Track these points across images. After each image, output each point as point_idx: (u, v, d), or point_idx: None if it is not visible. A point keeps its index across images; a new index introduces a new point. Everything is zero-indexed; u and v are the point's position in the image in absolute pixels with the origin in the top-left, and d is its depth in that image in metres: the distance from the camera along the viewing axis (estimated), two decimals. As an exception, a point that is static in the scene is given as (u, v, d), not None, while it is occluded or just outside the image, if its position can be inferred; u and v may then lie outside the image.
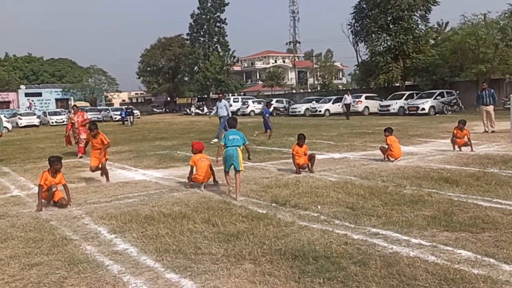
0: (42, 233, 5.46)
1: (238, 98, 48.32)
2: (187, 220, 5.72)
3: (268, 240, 4.79)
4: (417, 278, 3.68)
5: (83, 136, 13.38)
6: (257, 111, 42.96)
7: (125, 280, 3.92)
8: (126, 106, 46.03)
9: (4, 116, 37.82)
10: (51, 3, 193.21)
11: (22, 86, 66.09)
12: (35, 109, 56.82)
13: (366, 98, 34.60)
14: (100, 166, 8.85)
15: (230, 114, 17.26)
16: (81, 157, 13.15)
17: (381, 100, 33.61)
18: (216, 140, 16.36)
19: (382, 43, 37.61)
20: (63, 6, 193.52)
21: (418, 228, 5.03)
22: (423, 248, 4.39)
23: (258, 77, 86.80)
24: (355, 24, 40.13)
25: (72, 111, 14.27)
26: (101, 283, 3.87)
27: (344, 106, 30.43)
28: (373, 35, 37.44)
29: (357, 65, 42.88)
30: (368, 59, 39.47)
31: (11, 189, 8.68)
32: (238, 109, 44.04)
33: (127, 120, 37.17)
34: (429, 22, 38.81)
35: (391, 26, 37.08)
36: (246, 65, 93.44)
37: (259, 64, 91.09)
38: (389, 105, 31.48)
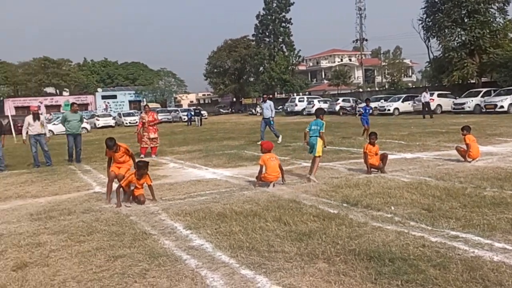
0: (124, 227, 5.78)
1: (303, 98, 48.13)
2: (259, 218, 5.80)
3: (341, 240, 4.75)
4: (503, 284, 3.50)
5: (153, 135, 13.94)
6: (323, 110, 42.50)
7: (202, 274, 4.06)
8: (194, 107, 47.45)
9: (84, 118, 40.46)
10: (124, 10, 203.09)
11: (99, 89, 70.14)
12: (111, 110, 59.98)
13: (439, 96, 33.11)
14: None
15: (273, 115, 17.06)
16: (148, 155, 13.68)
17: (455, 98, 32.06)
18: (280, 140, 16.31)
19: (456, 38, 35.92)
20: (136, 13, 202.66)
21: (501, 232, 4.76)
22: (508, 253, 4.16)
23: (323, 76, 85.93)
24: (427, 19, 38.57)
25: (144, 111, 14.83)
26: (180, 276, 4.03)
27: (422, 104, 28.61)
28: (446, 30, 35.83)
29: (428, 61, 41.28)
30: (441, 55, 37.83)
31: (93, 186, 9.24)
32: (304, 108, 43.88)
33: (194, 121, 38.19)
34: (508, 15, 36.43)
35: (465, 20, 35.28)
36: (311, 64, 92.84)
37: (324, 63, 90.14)
38: (464, 103, 29.94)
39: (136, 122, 45.25)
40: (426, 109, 27.87)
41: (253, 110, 56.05)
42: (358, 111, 17.11)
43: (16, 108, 57.32)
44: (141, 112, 14.73)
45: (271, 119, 16.91)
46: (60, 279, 4.12)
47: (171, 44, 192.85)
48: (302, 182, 8.23)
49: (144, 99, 47.63)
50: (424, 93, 28.86)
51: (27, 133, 13.05)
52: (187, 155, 13.82)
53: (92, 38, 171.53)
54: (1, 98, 64.69)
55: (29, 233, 5.76)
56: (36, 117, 13.08)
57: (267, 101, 17.38)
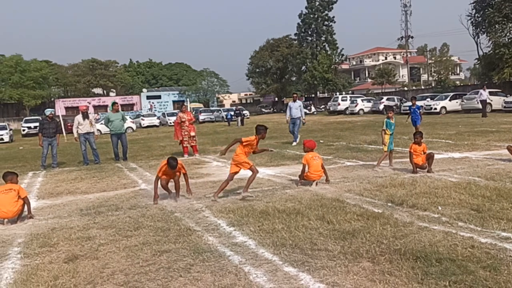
0: (169, 223, 5.91)
1: (346, 97, 47.51)
2: (301, 216, 5.78)
3: (385, 239, 4.67)
4: (559, 288, 3.33)
5: (193, 133, 14.11)
6: (366, 109, 41.86)
7: (246, 270, 4.09)
8: (235, 107, 47.75)
9: (129, 117, 41.73)
10: (168, 12, 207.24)
11: (144, 90, 71.96)
12: (155, 110, 61.44)
13: (489, 94, 31.83)
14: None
15: (304, 116, 16.53)
16: (191, 154, 13.91)
17: (506, 96, 30.73)
18: (295, 143, 15.89)
19: (507, 34, 34.50)
20: (180, 13, 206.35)
21: (557, 235, 4.53)
22: None
23: (367, 75, 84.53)
24: (476, 15, 37.30)
25: (181, 110, 14.84)
26: (224, 272, 4.08)
27: (479, 102, 27.30)
28: (497, 26, 34.50)
29: (477, 58, 39.88)
30: (491, 51, 36.46)
31: (139, 183, 9.50)
32: (347, 107, 43.34)
33: (234, 121, 38.40)
34: None
35: (517, 15, 33.80)
36: (354, 63, 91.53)
37: (368, 62, 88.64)
38: (516, 101, 28.66)
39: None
40: (483, 107, 26.58)
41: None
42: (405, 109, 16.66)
43: (66, 108, 59.71)
44: (179, 112, 14.81)
45: (301, 119, 16.58)
46: (109, 272, 4.26)
47: (214, 44, 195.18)
48: (345, 182, 8.14)
49: (188, 99, 48.40)
50: (482, 90, 27.60)
51: (77, 131, 13.57)
52: (229, 154, 13.89)
53: (138, 39, 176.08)
54: (52, 99, 67.47)
55: (79, 227, 5.99)
56: (85, 116, 13.58)
57: (297, 100, 16.83)
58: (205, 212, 6.45)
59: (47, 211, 7.24)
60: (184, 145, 14.15)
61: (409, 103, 36.87)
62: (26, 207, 6.68)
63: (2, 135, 34.50)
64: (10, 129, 37.90)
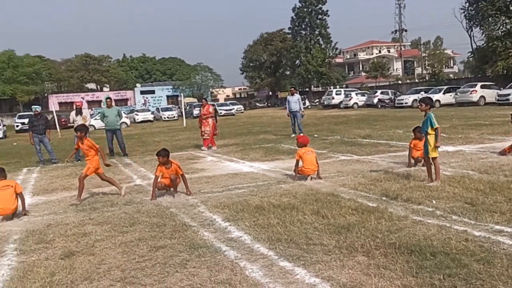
0: (164, 219, 5.92)
1: (340, 91, 47.62)
2: (296, 211, 5.81)
3: (380, 233, 4.70)
4: (551, 280, 3.38)
5: (205, 128, 14.08)
6: (360, 103, 41.95)
7: (241, 265, 4.11)
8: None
9: (124, 113, 41.54)
10: (158, 6, 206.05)
11: (138, 85, 71.65)
12: (149, 105, 61.22)
13: (482, 87, 31.99)
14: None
15: (302, 109, 16.83)
16: (210, 147, 13.92)
17: (499, 89, 30.90)
18: (294, 135, 16.10)
19: (501, 27, 34.64)
20: (172, 8, 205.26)
21: (549, 227, 4.58)
22: (557, 249, 4.00)
23: (361, 69, 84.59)
24: (469, 8, 37.42)
25: (202, 105, 14.86)
26: (220, 267, 4.10)
27: None
28: (490, 19, 34.61)
29: (471, 52, 40.06)
30: (484, 45, 36.61)
31: (134, 179, 9.49)
32: (341, 101, 43.39)
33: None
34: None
35: (511, 8, 33.86)
36: (348, 56, 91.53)
37: (362, 55, 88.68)
38: (508, 94, 28.80)
39: (174, 117, 46.36)
40: None
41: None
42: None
43: (60, 103, 59.43)
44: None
45: (301, 112, 16.75)
46: (105, 268, 4.27)
47: (208, 39, 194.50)
48: (339, 176, 8.17)
49: (182, 94, 48.23)
50: None
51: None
52: (224, 149, 13.96)
53: (131, 34, 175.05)
54: (46, 94, 67.12)
55: (75, 224, 5.99)
56: (79, 112, 13.53)
57: (295, 94, 17.16)
58: (200, 208, 6.46)
59: (42, 207, 7.23)
60: (204, 137, 14.14)
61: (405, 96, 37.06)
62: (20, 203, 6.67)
63: (-6, 131, 34.30)
64: (4, 125, 37.69)
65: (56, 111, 34.14)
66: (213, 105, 18.37)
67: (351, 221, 5.22)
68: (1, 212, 6.36)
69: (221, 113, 47.03)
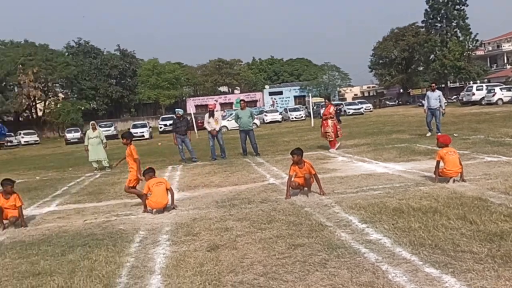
0: (300, 217, 6.01)
1: (481, 86, 43.54)
2: (439, 215, 5.47)
3: (542, 244, 4.21)
4: None
5: (325, 129, 13.98)
6: (505, 99, 37.97)
7: (383, 268, 4.00)
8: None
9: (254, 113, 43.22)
10: (290, 11, 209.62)
11: (266, 86, 73.93)
12: (277, 106, 62.69)
13: None
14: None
15: (443, 106, 15.81)
16: (338, 147, 13.84)
17: None
18: (429, 134, 15.20)
19: None
20: (301, 12, 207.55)
21: None
22: None
23: (505, 61, 76.43)
24: None
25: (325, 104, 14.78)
26: (361, 269, 4.03)
27: None
28: None
29: None
30: None
31: (267, 177, 9.79)
32: (483, 97, 39.74)
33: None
34: None
35: None
36: (490, 48, 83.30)
37: (506, 46, 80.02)
38: None
39: (302, 117, 46.82)
40: None
41: (422, 102, 52.86)
42: None
43: (196, 106, 63.90)
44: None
45: (441, 110, 15.77)
46: (248, 262, 4.48)
47: (336, 38, 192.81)
48: (486, 179, 7.49)
49: (310, 94, 48.51)
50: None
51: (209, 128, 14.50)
52: (355, 149, 13.71)
53: (260, 38, 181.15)
54: (184, 98, 72.72)
55: (217, 219, 6.39)
56: (211, 114, 14.40)
57: (436, 90, 16.16)
58: (335, 208, 6.43)
59: (187, 202, 7.84)
60: (329, 139, 14.02)
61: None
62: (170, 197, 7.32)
63: (143, 132, 38.37)
64: (150, 127, 41.87)
65: (193, 113, 36.77)
66: (337, 104, 18.02)
67: (505, 228, 4.76)
68: (155, 206, 7.06)
69: (349, 112, 46.35)
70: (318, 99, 60.10)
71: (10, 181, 7.16)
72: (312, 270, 4.11)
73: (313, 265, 4.24)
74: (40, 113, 62.91)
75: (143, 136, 37.61)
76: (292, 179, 7.51)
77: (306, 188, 7.54)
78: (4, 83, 58.12)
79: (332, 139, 13.80)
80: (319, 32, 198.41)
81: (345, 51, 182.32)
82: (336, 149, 13.69)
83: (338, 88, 73.67)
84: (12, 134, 46.36)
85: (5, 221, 6.98)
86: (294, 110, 50.62)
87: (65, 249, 5.53)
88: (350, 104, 52.09)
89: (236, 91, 79.20)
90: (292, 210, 6.50)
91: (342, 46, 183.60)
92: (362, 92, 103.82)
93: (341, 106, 45.77)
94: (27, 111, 63.07)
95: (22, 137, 46.50)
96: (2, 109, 55.03)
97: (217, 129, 14.25)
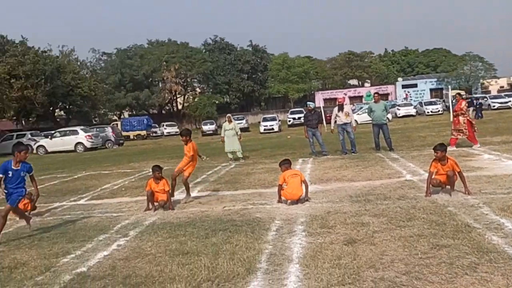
0: (443, 217, 5.64)
1: None
2: None
3: None
4: None
5: (455, 127, 12.90)
6: None
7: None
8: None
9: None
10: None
11: (399, 79, 70.55)
12: (411, 99, 59.54)
13: None
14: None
15: None
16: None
17: None
18: None
19: None
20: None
21: None
22: None
23: None
24: None
25: (455, 100, 13.80)
26: (517, 277, 3.65)
27: None
28: None
29: None
30: None
31: (404, 174, 9.36)
32: None
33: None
34: None
35: None
36: None
37: None
38: None
39: (439, 111, 43.87)
40: None
41: None
42: None
43: (324, 100, 63.64)
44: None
45: None
46: (388, 259, 4.33)
47: (480, 25, 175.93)
48: None
49: (449, 87, 45.12)
50: None
51: (335, 122, 14.35)
52: (503, 146, 12.44)
53: (392, 30, 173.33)
54: (312, 92, 72.87)
55: (352, 213, 6.30)
56: (340, 108, 14.16)
57: None
58: (483, 209, 5.91)
59: (320, 195, 7.86)
60: (452, 136, 13.16)
61: None
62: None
63: (272, 125, 39.49)
64: (279, 120, 42.88)
65: (322, 106, 36.69)
66: (467, 99, 16.26)
67: None
68: (290, 197, 7.21)
69: (494, 106, 42.23)
70: (459, 92, 55.69)
71: (159, 167, 7.92)
72: (461, 273, 3.83)
73: (461, 268, 3.95)
74: (180, 107, 68.70)
75: (272, 129, 38.71)
76: (433, 176, 7.08)
77: (448, 186, 7.05)
78: (150, 79, 64.61)
79: (466, 135, 12.72)
80: (458, 20, 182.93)
81: (490, 38, 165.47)
82: (480, 146, 12.57)
83: (481, 80, 67.28)
84: (157, 126, 51.42)
85: (155, 204, 7.73)
86: (430, 103, 47.52)
87: (208, 232, 5.93)
88: (495, 97, 47.29)
89: (366, 84, 77.03)
90: (434, 208, 6.13)
91: (486, 33, 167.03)
92: (510, 84, 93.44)
93: (479, 100, 41.76)
94: (169, 104, 69.26)
95: (165, 129, 51.74)
96: (148, 102, 61.42)
97: (353, 123, 14.24)
